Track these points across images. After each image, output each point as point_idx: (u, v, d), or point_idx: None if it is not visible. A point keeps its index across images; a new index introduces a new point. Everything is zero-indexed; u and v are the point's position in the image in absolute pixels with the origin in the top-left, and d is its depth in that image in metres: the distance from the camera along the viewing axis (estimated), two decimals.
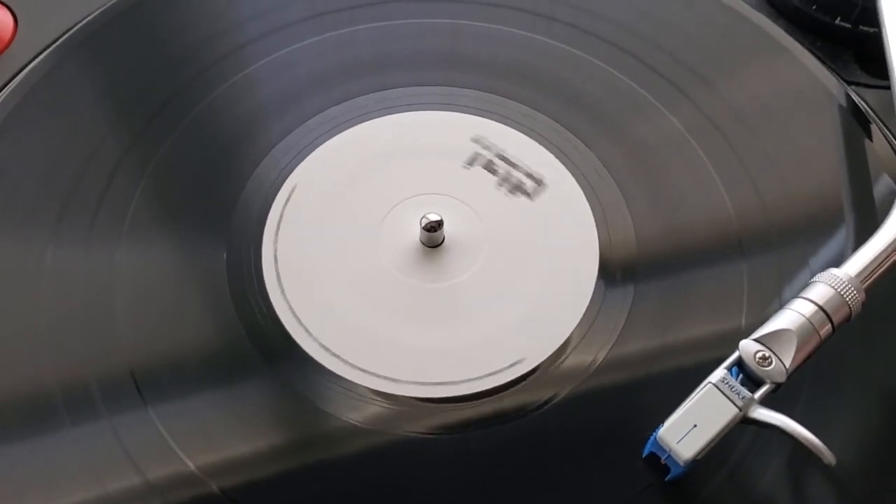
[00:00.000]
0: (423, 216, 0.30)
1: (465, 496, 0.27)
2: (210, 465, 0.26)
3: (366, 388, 0.28)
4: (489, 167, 0.33)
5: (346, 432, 0.27)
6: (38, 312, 0.29)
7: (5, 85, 0.36)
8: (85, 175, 0.32)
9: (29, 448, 0.27)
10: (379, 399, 0.28)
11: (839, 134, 0.35)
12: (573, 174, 0.33)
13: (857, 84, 0.38)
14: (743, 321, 0.30)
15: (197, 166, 0.32)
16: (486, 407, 0.28)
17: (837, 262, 0.28)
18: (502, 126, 0.34)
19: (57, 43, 0.37)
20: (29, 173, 0.32)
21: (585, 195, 0.32)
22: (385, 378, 0.28)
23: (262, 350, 0.28)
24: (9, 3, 0.40)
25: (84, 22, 0.37)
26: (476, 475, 0.27)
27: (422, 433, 0.27)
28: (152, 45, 0.36)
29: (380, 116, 0.34)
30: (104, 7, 0.38)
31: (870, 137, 0.35)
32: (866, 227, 0.30)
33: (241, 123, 0.33)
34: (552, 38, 0.37)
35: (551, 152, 0.33)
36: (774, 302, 0.29)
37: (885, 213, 0.29)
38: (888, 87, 0.34)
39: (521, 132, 0.34)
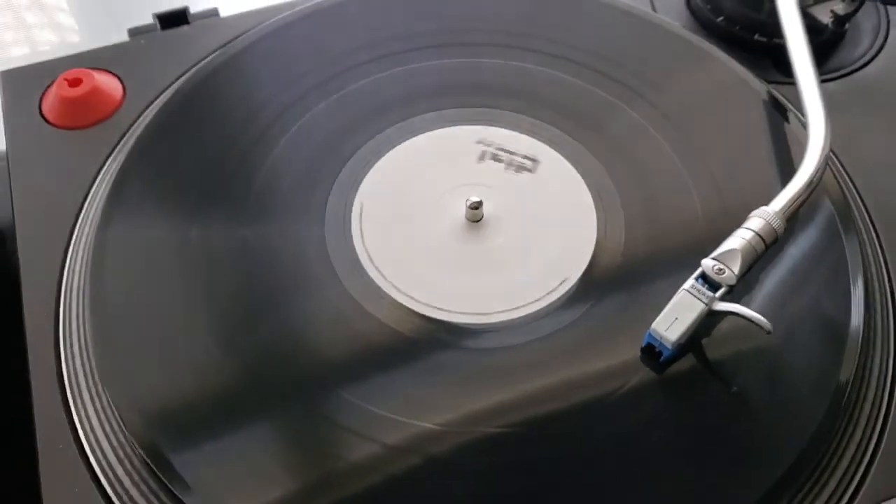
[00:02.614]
0: (468, 198, 0.41)
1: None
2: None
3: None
4: (495, 158, 0.44)
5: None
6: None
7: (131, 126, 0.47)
8: (211, 177, 0.43)
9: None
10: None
11: (764, 121, 0.46)
12: (561, 153, 0.44)
13: (775, 82, 0.48)
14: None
15: (298, 168, 0.44)
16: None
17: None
18: (499, 129, 0.45)
19: (164, 94, 0.48)
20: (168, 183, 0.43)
21: (574, 168, 0.44)
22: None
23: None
24: (118, 73, 0.51)
25: (192, 72, 0.48)
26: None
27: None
28: (252, 86, 0.47)
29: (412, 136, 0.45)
30: (199, 65, 0.48)
31: (787, 121, 0.46)
32: (785, 178, 0.41)
33: (327, 138, 0.45)
34: (527, 63, 0.48)
35: (538, 140, 0.45)
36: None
37: None
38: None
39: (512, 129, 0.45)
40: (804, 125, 0.44)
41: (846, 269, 0.39)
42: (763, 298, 0.39)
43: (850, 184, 0.44)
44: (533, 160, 0.44)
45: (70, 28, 0.75)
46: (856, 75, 0.50)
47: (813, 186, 0.39)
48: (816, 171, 0.40)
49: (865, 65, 0.51)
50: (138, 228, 0.41)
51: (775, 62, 0.50)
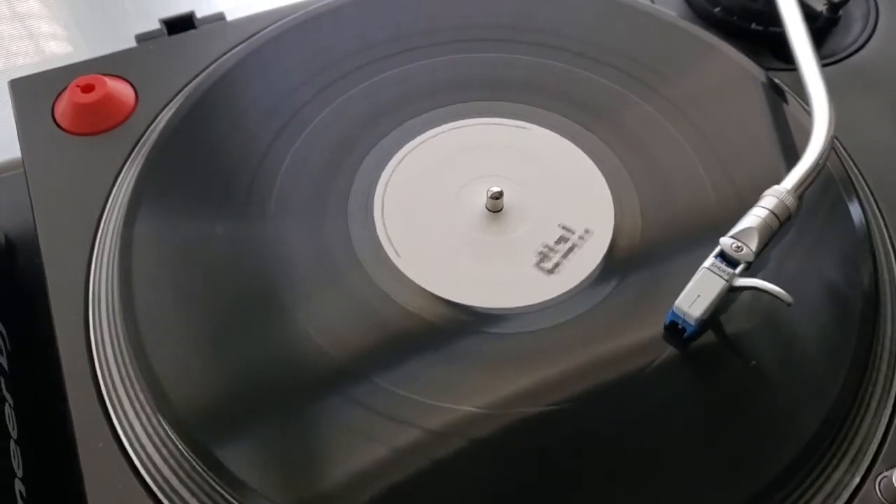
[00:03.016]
0: (489, 189, 0.42)
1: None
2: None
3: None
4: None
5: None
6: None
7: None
8: (233, 176, 0.44)
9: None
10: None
11: (767, 106, 0.47)
12: (588, 155, 0.45)
13: (774, 69, 0.50)
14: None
15: (318, 163, 0.45)
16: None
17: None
18: (540, 128, 0.46)
19: (178, 98, 0.49)
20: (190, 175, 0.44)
21: (598, 168, 0.45)
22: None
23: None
24: (130, 80, 0.51)
25: (206, 73, 0.48)
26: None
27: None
28: (268, 86, 0.48)
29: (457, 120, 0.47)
30: (213, 66, 0.49)
31: (787, 103, 0.47)
32: (789, 159, 0.43)
33: (358, 122, 0.46)
34: (536, 56, 0.49)
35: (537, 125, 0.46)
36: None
37: (802, 150, 0.42)
38: (795, 69, 0.46)
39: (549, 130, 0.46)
40: (806, 109, 0.45)
41: (855, 243, 0.41)
42: (777, 274, 0.40)
43: (852, 163, 0.46)
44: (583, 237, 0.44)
45: (61, 38, 0.75)
46: (849, 60, 0.52)
47: (821, 164, 0.41)
48: (824, 149, 0.41)
49: (857, 50, 0.53)
50: (163, 228, 0.42)
51: (772, 50, 0.52)
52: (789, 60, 0.47)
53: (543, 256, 0.42)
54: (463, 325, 0.39)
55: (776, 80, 0.49)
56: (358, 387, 0.37)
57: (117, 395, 0.38)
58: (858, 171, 0.46)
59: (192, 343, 0.38)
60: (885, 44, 0.53)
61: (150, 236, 0.42)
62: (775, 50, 0.51)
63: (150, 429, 0.37)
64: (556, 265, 0.41)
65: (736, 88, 0.48)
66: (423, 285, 0.40)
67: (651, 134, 0.46)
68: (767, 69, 0.50)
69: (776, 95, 0.48)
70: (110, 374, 0.39)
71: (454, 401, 0.37)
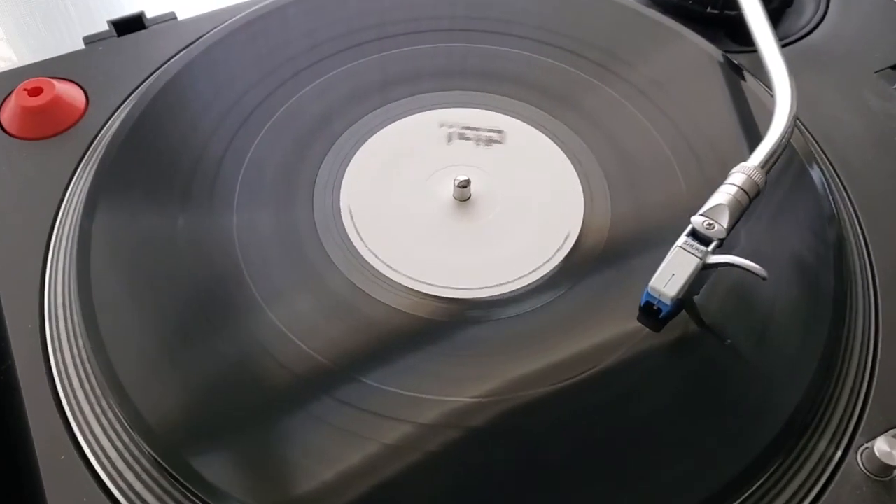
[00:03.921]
0: (456, 178, 0.42)
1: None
2: None
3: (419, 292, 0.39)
4: (462, 137, 0.45)
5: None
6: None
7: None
8: (192, 174, 0.43)
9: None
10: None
11: (725, 84, 0.48)
12: (554, 140, 0.45)
13: (730, 51, 0.50)
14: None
15: (289, 142, 0.44)
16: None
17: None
18: (506, 116, 0.46)
19: (132, 98, 0.47)
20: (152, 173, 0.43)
21: (564, 153, 0.44)
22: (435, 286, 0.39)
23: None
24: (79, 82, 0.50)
25: (160, 72, 0.47)
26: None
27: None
28: (223, 84, 0.47)
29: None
30: (167, 65, 0.48)
31: (746, 82, 0.48)
32: (752, 137, 0.43)
33: (315, 118, 0.45)
34: (496, 45, 0.49)
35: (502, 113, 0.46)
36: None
37: (764, 127, 0.42)
38: (751, 51, 0.47)
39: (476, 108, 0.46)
40: (765, 88, 0.46)
41: (822, 215, 0.41)
42: (749, 251, 0.40)
43: (812, 138, 0.46)
44: (499, 132, 0.44)
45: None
46: (803, 42, 0.53)
47: (786, 140, 0.41)
48: (788, 125, 0.41)
49: (810, 32, 0.53)
50: (121, 229, 0.41)
51: (728, 33, 0.52)
52: (744, 43, 0.49)
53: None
54: (442, 314, 0.38)
55: (735, 61, 0.49)
56: (328, 381, 0.36)
57: (78, 404, 0.36)
58: (818, 145, 0.46)
59: (154, 345, 0.37)
60: (838, 24, 0.54)
61: (107, 238, 0.40)
62: (730, 33, 0.52)
63: (113, 436, 0.35)
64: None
65: (697, 70, 0.49)
66: (395, 277, 0.39)
67: (616, 117, 0.46)
68: (725, 51, 0.50)
69: (735, 76, 0.48)
70: (70, 382, 0.37)
71: (435, 391, 0.36)
